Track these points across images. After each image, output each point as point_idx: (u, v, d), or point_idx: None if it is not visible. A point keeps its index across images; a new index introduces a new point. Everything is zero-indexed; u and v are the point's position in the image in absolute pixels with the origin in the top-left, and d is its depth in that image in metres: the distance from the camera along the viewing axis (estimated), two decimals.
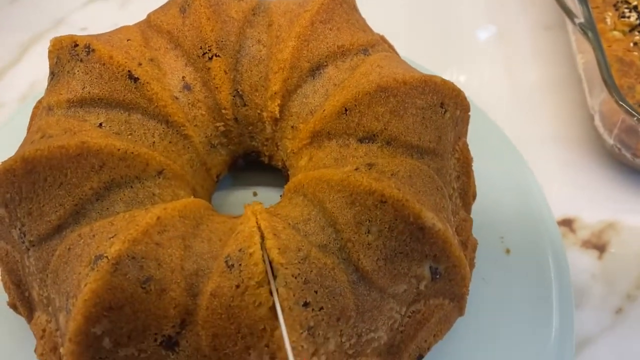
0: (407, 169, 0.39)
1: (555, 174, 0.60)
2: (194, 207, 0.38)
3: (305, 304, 0.34)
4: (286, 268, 0.34)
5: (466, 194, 0.45)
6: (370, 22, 0.50)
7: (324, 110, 0.42)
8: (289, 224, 0.37)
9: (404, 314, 0.39)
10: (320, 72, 0.44)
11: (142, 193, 0.39)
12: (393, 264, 0.37)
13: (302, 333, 0.34)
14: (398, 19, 0.74)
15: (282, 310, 0.33)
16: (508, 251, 0.51)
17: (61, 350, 0.35)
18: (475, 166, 0.52)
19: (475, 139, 0.55)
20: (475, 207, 0.50)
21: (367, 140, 0.41)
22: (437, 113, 0.42)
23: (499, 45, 0.71)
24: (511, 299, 0.48)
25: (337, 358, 0.37)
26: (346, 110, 0.41)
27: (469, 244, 0.44)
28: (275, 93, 0.44)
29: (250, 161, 0.51)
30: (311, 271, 0.35)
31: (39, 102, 0.46)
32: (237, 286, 0.34)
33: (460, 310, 0.43)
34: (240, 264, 0.34)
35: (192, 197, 0.43)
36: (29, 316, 0.41)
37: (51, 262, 0.37)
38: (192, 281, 0.35)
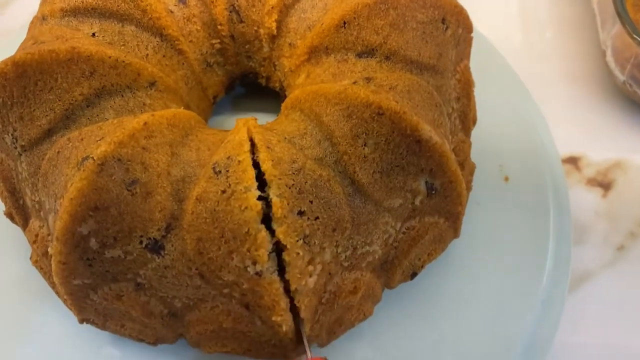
0: (406, 83, 0.38)
1: (563, 111, 0.59)
2: (184, 117, 0.38)
3: (300, 213, 0.34)
4: (280, 179, 0.34)
5: (466, 117, 0.44)
6: None
7: (322, 24, 0.41)
8: (285, 137, 0.37)
9: (398, 230, 0.39)
10: None
11: (133, 102, 0.39)
12: (389, 177, 0.37)
13: (297, 241, 0.34)
14: None
15: (277, 218, 0.33)
16: (507, 179, 0.50)
17: (49, 250, 0.35)
18: (478, 93, 0.51)
19: (480, 68, 0.54)
20: (476, 132, 0.49)
21: (366, 55, 0.40)
22: (438, 29, 0.40)
23: None
24: (506, 226, 0.47)
25: (333, 269, 0.37)
26: (345, 23, 0.40)
27: (466, 166, 0.43)
28: (272, 7, 0.43)
29: (250, 85, 0.51)
30: (306, 182, 0.34)
31: (35, 16, 0.45)
32: (224, 191, 0.33)
33: (455, 231, 0.43)
34: (227, 170, 0.34)
35: None
36: (24, 224, 0.41)
37: (42, 166, 0.37)
38: (178, 187, 0.35)
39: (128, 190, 0.34)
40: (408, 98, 0.37)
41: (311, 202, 0.34)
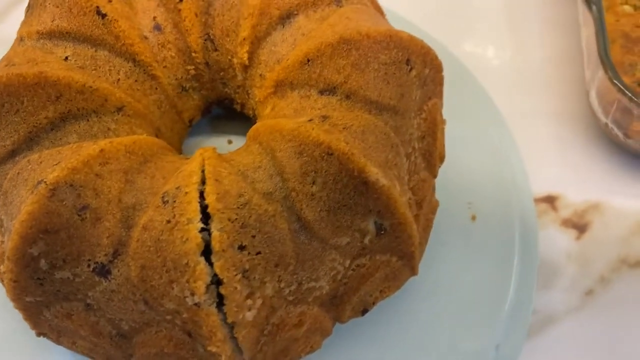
0: (362, 123, 0.38)
1: (544, 148, 0.58)
2: (145, 144, 0.39)
3: (241, 247, 0.35)
4: (222, 212, 0.34)
5: (431, 155, 0.44)
6: None
7: (287, 60, 0.42)
8: (239, 170, 0.38)
9: (347, 267, 0.39)
10: (290, 21, 0.43)
11: (97, 127, 0.40)
12: (336, 216, 0.37)
13: (236, 275, 0.34)
14: None
15: (215, 252, 0.34)
16: (474, 217, 0.50)
17: (1, 267, 0.37)
18: (454, 128, 0.51)
19: (458, 101, 0.54)
20: (446, 168, 0.49)
21: (327, 93, 0.40)
22: (401, 70, 0.41)
23: (505, 12, 0.69)
24: (468, 267, 0.48)
25: (276, 303, 0.37)
26: (308, 60, 0.40)
27: (425, 204, 0.43)
28: (244, 39, 0.44)
29: (227, 109, 0.52)
30: (250, 216, 0.35)
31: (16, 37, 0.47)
32: (168, 221, 0.34)
33: (412, 270, 0.43)
34: (175, 201, 0.35)
35: (154, 136, 0.44)
36: None
37: (3, 185, 0.38)
38: (128, 214, 0.36)
39: (78, 215, 0.35)
40: (361, 139, 0.37)
41: (253, 236, 0.35)
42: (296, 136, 0.37)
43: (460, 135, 0.53)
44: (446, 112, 0.49)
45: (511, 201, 0.50)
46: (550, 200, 0.56)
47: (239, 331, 0.35)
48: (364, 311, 0.42)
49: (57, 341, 0.41)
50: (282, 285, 0.37)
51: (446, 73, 0.50)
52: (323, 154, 0.36)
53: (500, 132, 0.55)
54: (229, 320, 0.35)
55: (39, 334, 0.41)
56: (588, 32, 0.57)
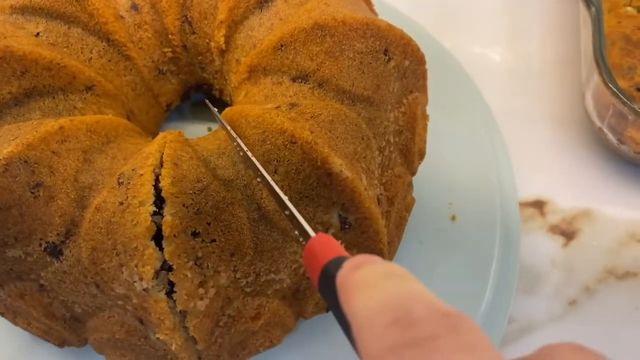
0: (331, 113, 0.37)
1: (536, 151, 0.56)
2: (109, 124, 0.38)
3: (195, 234, 0.34)
4: (177, 197, 0.33)
5: (408, 151, 0.43)
6: None
7: (261, 45, 0.40)
8: (202, 155, 0.37)
9: None
10: (269, 5, 0.42)
11: (63, 105, 0.39)
12: (297, 207, 0.36)
13: (187, 262, 0.33)
14: None
15: (166, 237, 0.33)
16: (453, 218, 0.48)
17: None
18: (441, 125, 0.50)
19: (449, 98, 0.53)
20: (429, 167, 0.48)
21: (299, 80, 0.39)
22: (377, 60, 0.39)
23: (506, 12, 0.67)
24: (444, 268, 0.46)
25: (232, 293, 0.36)
26: (282, 46, 0.39)
27: (396, 201, 0.41)
28: (221, 22, 0.43)
29: (209, 96, 0.51)
30: (207, 203, 0.34)
31: None
32: (121, 203, 0.33)
33: None
34: (129, 182, 0.34)
35: (125, 118, 0.43)
36: None
37: None
38: (83, 194, 0.35)
39: (31, 192, 0.34)
40: (328, 128, 0.36)
41: (209, 223, 0.34)
42: (260, 123, 0.36)
43: (447, 132, 0.51)
44: (434, 108, 0.48)
45: (494, 203, 0.49)
46: (538, 205, 0.54)
47: (190, 320, 0.34)
48: (328, 309, 0.41)
49: (14, 322, 0.40)
50: (239, 275, 0.35)
51: (437, 67, 0.49)
52: (286, 142, 0.35)
53: (489, 132, 0.53)
54: (179, 308, 0.34)
55: None
56: (587, 33, 0.55)
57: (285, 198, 0.31)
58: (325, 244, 0.25)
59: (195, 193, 0.34)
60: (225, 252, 0.34)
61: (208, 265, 0.34)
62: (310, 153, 0.34)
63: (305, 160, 0.35)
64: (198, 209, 0.34)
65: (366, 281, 0.20)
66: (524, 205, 0.54)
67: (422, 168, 0.47)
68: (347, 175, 0.35)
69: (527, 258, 0.51)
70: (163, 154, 0.35)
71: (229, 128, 0.36)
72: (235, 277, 0.35)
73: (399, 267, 0.21)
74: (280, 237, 0.36)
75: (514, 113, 0.59)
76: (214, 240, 0.34)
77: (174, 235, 0.33)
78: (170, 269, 0.33)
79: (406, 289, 0.20)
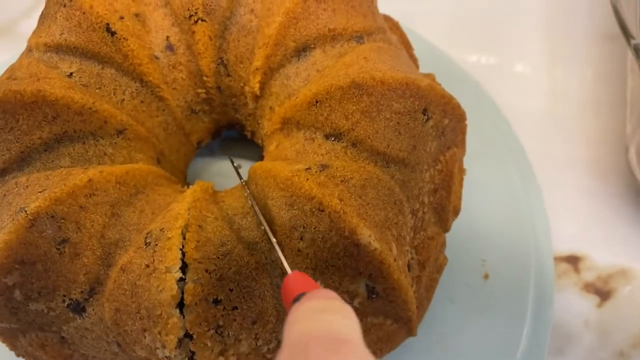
0: (364, 177, 0.36)
1: (572, 202, 0.54)
2: (139, 174, 0.37)
3: (216, 301, 0.33)
4: (200, 262, 0.32)
5: (443, 210, 0.42)
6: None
7: (296, 98, 0.39)
8: (227, 214, 0.36)
9: None
10: (306, 54, 0.41)
11: (93, 151, 0.38)
12: (322, 276, 0.35)
13: (208, 331, 0.33)
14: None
15: (187, 306, 0.32)
16: (487, 276, 0.47)
17: None
18: (475, 178, 0.48)
19: (485, 145, 0.51)
20: (462, 221, 0.46)
21: (333, 138, 0.38)
22: (415, 120, 0.38)
23: (548, 49, 0.65)
24: (475, 329, 0.44)
25: (253, 359, 0.35)
26: (317, 102, 0.38)
27: (428, 264, 0.40)
28: (257, 69, 0.42)
29: (239, 133, 0.50)
30: (230, 268, 0.33)
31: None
32: (147, 266, 0.33)
33: (410, 331, 0.40)
34: (157, 244, 0.33)
35: (155, 161, 0.42)
36: None
37: None
38: (109, 250, 0.34)
39: (57, 248, 0.33)
40: (359, 194, 0.35)
41: (231, 290, 0.33)
42: (289, 186, 0.35)
43: (481, 183, 0.50)
44: (469, 156, 0.46)
45: (529, 261, 0.47)
46: (573, 261, 0.52)
47: None
48: None
49: None
50: (260, 343, 0.35)
51: (474, 111, 0.47)
52: (314, 209, 0.34)
53: (525, 183, 0.51)
54: None
55: (18, 355, 0.40)
56: (635, 82, 0.53)
57: (270, 233, 0.33)
58: (298, 281, 0.28)
59: (218, 258, 0.33)
60: (247, 319, 0.33)
61: (229, 334, 0.33)
62: (338, 222, 0.33)
63: (332, 229, 0.33)
64: (221, 275, 0.33)
65: (302, 311, 0.24)
66: (558, 259, 0.52)
67: (455, 222, 0.45)
68: (376, 247, 0.34)
69: (558, 316, 0.49)
70: (190, 212, 0.35)
71: (247, 193, 0.36)
72: (256, 344, 0.34)
73: (337, 305, 0.24)
74: None
75: (550, 159, 0.57)
76: (236, 308, 0.33)
77: (195, 304, 0.32)
78: (191, 337, 0.33)
79: (322, 325, 0.23)
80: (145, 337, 0.33)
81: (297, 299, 0.26)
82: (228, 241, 0.33)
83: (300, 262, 0.34)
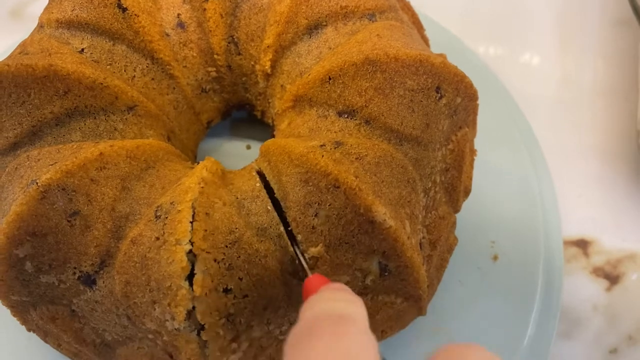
0: (378, 154, 0.36)
1: (583, 187, 0.54)
2: (149, 149, 0.37)
3: (226, 290, 0.32)
4: (208, 252, 0.32)
5: (454, 190, 0.41)
6: None
7: (309, 75, 0.39)
8: (235, 198, 0.35)
9: None
10: (318, 32, 0.41)
11: (104, 126, 0.38)
12: (336, 253, 0.35)
13: (219, 319, 0.32)
14: None
15: (197, 297, 0.32)
16: (495, 257, 0.46)
17: None
18: (486, 160, 0.48)
19: (496, 130, 0.51)
20: (472, 204, 0.46)
21: (346, 115, 0.38)
22: (429, 97, 0.38)
23: (559, 36, 0.64)
24: (483, 310, 0.44)
25: (265, 342, 0.36)
26: (330, 78, 0.38)
27: (439, 244, 0.40)
28: (268, 47, 0.41)
29: (249, 114, 0.50)
30: (239, 257, 0.33)
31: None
32: (157, 238, 0.33)
33: (419, 310, 0.40)
34: (167, 217, 0.33)
35: (165, 138, 0.42)
36: None
37: (1, 178, 0.37)
38: (120, 224, 0.34)
39: (68, 220, 0.33)
40: (374, 172, 0.35)
41: (241, 279, 0.33)
42: (304, 162, 0.34)
43: (492, 165, 0.49)
44: (480, 139, 0.46)
45: (538, 245, 0.47)
46: (582, 245, 0.52)
47: None
48: None
49: (45, 340, 0.40)
50: (272, 327, 0.35)
51: (486, 96, 0.47)
52: (329, 186, 0.33)
53: (536, 166, 0.51)
54: None
55: (29, 329, 0.40)
56: None
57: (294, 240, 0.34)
58: (317, 282, 0.30)
59: (227, 247, 0.33)
60: (258, 306, 0.33)
61: (240, 321, 0.33)
62: (353, 199, 0.33)
63: (347, 206, 0.33)
64: (230, 264, 0.32)
65: (313, 299, 0.26)
66: (568, 243, 0.52)
67: (465, 203, 0.45)
68: (391, 224, 0.33)
69: (567, 300, 0.49)
70: (195, 202, 0.34)
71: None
72: (268, 329, 0.35)
73: (347, 294, 0.27)
74: None
75: (560, 144, 0.56)
76: (246, 296, 0.33)
77: (205, 294, 0.32)
78: (202, 326, 0.32)
79: (329, 306, 0.25)
80: (154, 310, 0.33)
81: None
82: (236, 228, 0.33)
83: (314, 239, 0.34)
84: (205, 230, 0.32)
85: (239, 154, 0.50)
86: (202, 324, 0.32)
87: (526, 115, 0.55)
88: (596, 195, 0.54)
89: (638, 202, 0.53)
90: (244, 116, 0.52)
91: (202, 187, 0.34)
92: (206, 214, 0.33)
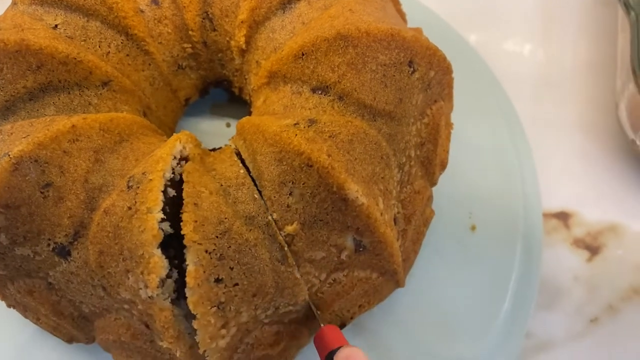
0: (351, 132, 0.36)
1: (563, 160, 0.54)
2: (123, 122, 0.37)
3: (217, 280, 0.33)
4: (200, 244, 0.32)
5: (430, 163, 0.42)
6: None
7: (282, 51, 0.39)
8: (220, 186, 0.35)
9: (323, 280, 0.37)
10: (291, 7, 0.41)
11: (78, 101, 0.39)
12: (311, 230, 0.35)
13: (210, 308, 0.33)
14: None
15: (189, 287, 0.32)
16: (474, 228, 0.47)
17: None
18: (464, 134, 0.48)
19: (475, 103, 0.51)
20: (449, 175, 0.46)
21: (320, 91, 0.38)
22: (402, 72, 0.38)
23: (539, 13, 0.64)
24: (463, 278, 0.45)
25: (252, 326, 0.36)
26: (303, 54, 0.38)
27: (414, 218, 0.40)
28: (242, 22, 0.41)
29: (229, 92, 0.50)
30: (229, 247, 0.33)
31: None
32: (129, 208, 0.33)
33: (397, 283, 0.41)
34: (138, 187, 0.33)
35: (141, 114, 0.43)
36: None
37: None
38: (93, 195, 0.34)
39: (41, 192, 0.34)
40: (347, 149, 0.35)
41: (232, 268, 0.33)
42: (278, 142, 0.35)
43: (470, 138, 0.50)
44: (457, 111, 0.46)
45: (517, 214, 0.47)
46: (563, 217, 0.52)
47: (211, 356, 0.34)
48: (342, 325, 0.40)
49: (24, 315, 0.40)
50: (259, 312, 0.35)
51: (463, 68, 0.47)
52: (303, 165, 0.34)
53: (514, 138, 0.51)
54: (201, 349, 0.33)
55: (9, 306, 0.40)
56: (625, 39, 0.52)
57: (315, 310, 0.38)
58: (331, 334, 0.36)
59: (217, 237, 0.33)
60: (248, 293, 0.34)
61: (230, 308, 0.33)
62: (326, 178, 0.33)
63: (321, 184, 0.34)
64: (221, 255, 0.33)
65: None
66: (548, 216, 0.52)
67: (442, 176, 0.45)
68: (363, 201, 0.34)
69: (548, 272, 0.49)
70: (186, 181, 0.34)
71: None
72: (255, 314, 0.35)
73: None
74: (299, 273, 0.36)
75: (542, 119, 0.56)
76: (237, 284, 0.33)
77: (198, 285, 0.32)
78: (193, 316, 0.33)
79: None
80: (128, 279, 0.33)
81: (332, 352, 0.34)
82: (225, 218, 0.33)
83: (289, 217, 0.34)
84: (195, 222, 0.32)
85: (219, 132, 0.50)
86: (194, 313, 0.32)
87: (508, 92, 0.55)
88: (577, 168, 0.54)
89: (618, 174, 0.54)
90: (225, 97, 0.52)
91: (188, 175, 0.34)
92: (194, 204, 0.33)
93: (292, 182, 0.34)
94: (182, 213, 0.33)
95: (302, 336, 0.39)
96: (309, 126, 0.35)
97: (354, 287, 0.38)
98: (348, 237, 0.36)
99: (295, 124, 0.35)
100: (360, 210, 0.34)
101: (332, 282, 0.37)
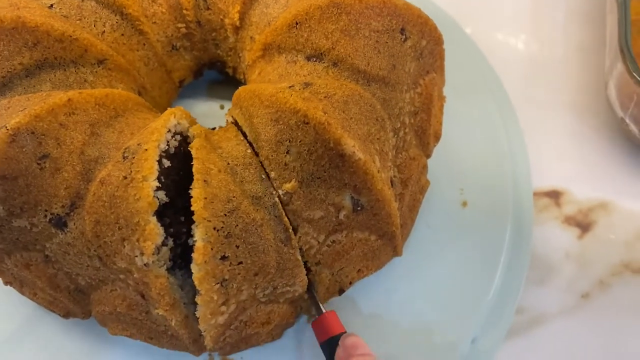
0: (346, 93, 0.36)
1: (554, 140, 0.55)
2: (118, 98, 0.38)
3: (223, 257, 0.33)
4: (209, 221, 0.33)
5: (424, 133, 0.42)
6: None
7: (276, 22, 0.40)
8: (228, 164, 0.36)
9: (322, 242, 0.38)
10: None
11: (74, 77, 0.39)
12: (309, 188, 0.35)
13: (214, 285, 0.33)
14: None
15: (197, 264, 0.32)
16: (465, 204, 0.47)
17: None
18: (456, 108, 0.49)
19: (466, 82, 0.52)
20: (442, 150, 0.47)
21: (314, 59, 0.38)
22: (394, 39, 0.39)
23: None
24: (454, 253, 0.45)
25: (248, 304, 0.37)
26: (297, 23, 0.38)
27: (411, 183, 0.41)
28: None
29: (223, 74, 0.50)
30: (237, 225, 0.34)
31: None
32: (125, 177, 0.33)
33: (394, 250, 0.41)
34: (134, 157, 0.34)
35: (136, 92, 0.43)
36: None
37: None
38: (89, 167, 0.35)
39: (38, 163, 0.34)
40: (342, 109, 0.35)
41: (237, 246, 0.33)
42: (273, 102, 0.35)
43: (461, 115, 0.50)
44: (450, 90, 0.47)
45: (507, 191, 0.48)
46: (554, 195, 0.53)
47: (209, 331, 0.35)
48: (341, 291, 0.41)
49: (21, 291, 0.40)
50: (258, 291, 0.36)
51: (454, 49, 0.47)
52: (299, 123, 0.34)
53: (505, 118, 0.52)
54: (201, 325, 0.34)
55: (6, 283, 0.41)
56: (613, 20, 0.53)
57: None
58: (332, 320, 0.38)
59: (226, 215, 0.33)
60: (250, 272, 0.34)
61: (232, 286, 0.34)
62: (323, 134, 0.34)
63: (318, 140, 0.34)
64: (228, 233, 0.33)
65: None
66: (540, 194, 0.52)
67: (435, 151, 0.46)
68: (360, 157, 0.34)
69: (540, 249, 0.50)
70: (196, 159, 0.35)
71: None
72: (254, 292, 0.36)
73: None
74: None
75: (533, 100, 0.57)
76: (241, 263, 0.34)
77: (205, 262, 0.32)
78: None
79: None
80: (124, 247, 0.33)
81: (332, 339, 0.37)
82: (234, 197, 0.34)
83: (287, 175, 0.35)
84: (205, 198, 0.33)
85: (213, 113, 0.51)
86: (199, 289, 0.33)
87: (500, 74, 0.56)
88: (567, 147, 0.55)
89: (608, 152, 0.54)
90: (218, 78, 0.52)
91: (197, 151, 0.35)
92: (204, 181, 0.33)
93: (289, 141, 0.35)
94: (191, 189, 0.34)
95: (291, 317, 0.40)
96: (304, 88, 0.36)
97: (353, 247, 0.39)
98: (346, 196, 0.36)
99: (290, 87, 0.36)
100: (357, 166, 0.35)
101: (331, 243, 0.38)
